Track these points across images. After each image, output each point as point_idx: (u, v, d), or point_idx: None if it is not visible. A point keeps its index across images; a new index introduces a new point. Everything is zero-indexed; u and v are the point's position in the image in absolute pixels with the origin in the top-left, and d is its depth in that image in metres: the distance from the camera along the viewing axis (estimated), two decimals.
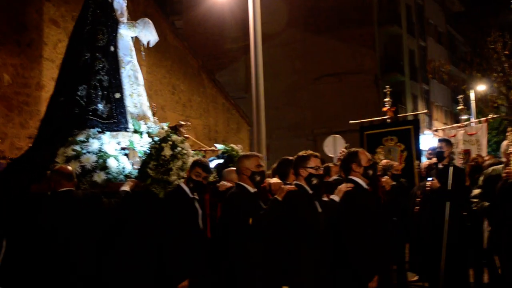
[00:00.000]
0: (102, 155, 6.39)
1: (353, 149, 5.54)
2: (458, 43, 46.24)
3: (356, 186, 5.23)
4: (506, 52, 26.79)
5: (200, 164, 5.87)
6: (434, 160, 8.35)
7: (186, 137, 8.94)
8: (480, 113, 30.94)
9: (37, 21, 13.49)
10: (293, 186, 5.38)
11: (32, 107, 12.88)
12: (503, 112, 28.74)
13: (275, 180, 5.84)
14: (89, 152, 6.41)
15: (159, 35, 7.72)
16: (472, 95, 30.41)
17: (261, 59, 12.06)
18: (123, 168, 6.45)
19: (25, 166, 6.26)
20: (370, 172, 5.33)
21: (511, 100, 26.07)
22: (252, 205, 5.32)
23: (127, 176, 6.35)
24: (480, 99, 31.00)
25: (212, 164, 7.28)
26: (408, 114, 19.11)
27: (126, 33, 7.48)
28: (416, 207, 8.23)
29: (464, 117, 13.84)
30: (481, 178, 7.03)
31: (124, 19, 7.52)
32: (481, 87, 30.56)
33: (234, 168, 6.04)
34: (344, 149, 7.28)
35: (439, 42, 43.03)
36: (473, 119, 19.95)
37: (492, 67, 27.50)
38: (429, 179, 7.70)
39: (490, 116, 14.09)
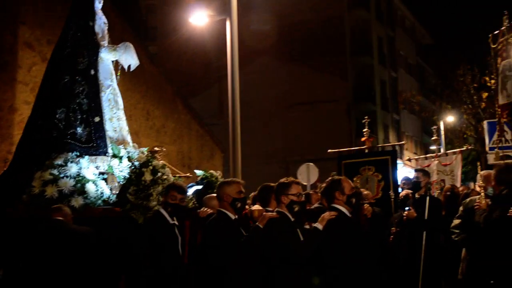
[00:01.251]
0: (80, 180, 6.28)
1: (337, 177, 5.55)
2: (428, 74, 47.20)
3: (339, 214, 5.23)
4: (475, 85, 27.49)
5: (175, 187, 5.79)
6: (407, 189, 8.46)
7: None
8: (449, 143, 31.52)
9: (11, 44, 13.37)
10: (274, 213, 5.34)
11: (4, 130, 12.67)
12: (472, 143, 29.32)
13: (256, 207, 5.80)
14: (67, 176, 6.30)
15: None
16: (441, 126, 31.00)
17: (237, 85, 12.11)
18: (102, 193, 6.34)
19: (1, 189, 6.10)
20: (353, 200, 5.33)
21: (480, 132, 26.61)
22: (233, 232, 5.26)
23: (105, 201, 6.25)
24: (449, 130, 31.61)
25: (191, 191, 7.22)
26: (385, 145, 19.35)
27: (106, 57, 7.44)
28: (390, 237, 8.28)
29: (435, 147, 14.06)
30: (461, 209, 7.12)
31: (105, 42, 7.49)
32: (450, 118, 31.17)
33: (215, 195, 5.99)
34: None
35: (409, 74, 43.85)
36: (442, 150, 20.27)
37: (462, 99, 28.16)
38: (406, 208, 7.77)
39: (466, 147, 14.35)
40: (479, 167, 8.34)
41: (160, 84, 20.33)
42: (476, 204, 6.59)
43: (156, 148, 7.88)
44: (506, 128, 11.10)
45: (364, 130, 12.72)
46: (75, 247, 5.46)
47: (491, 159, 12.72)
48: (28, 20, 14.17)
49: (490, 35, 9.95)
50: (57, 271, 5.32)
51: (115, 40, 8.64)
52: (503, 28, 9.58)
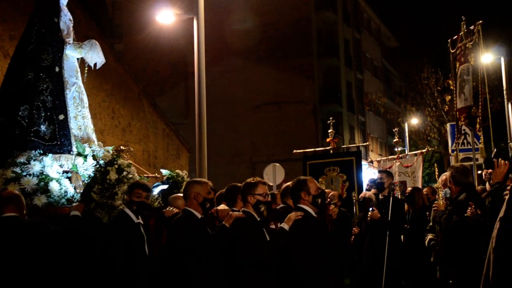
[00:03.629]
0: (43, 178, 6.18)
1: (302, 177, 5.57)
2: (393, 77, 47.89)
3: (306, 215, 5.26)
4: (439, 88, 27.98)
5: (139, 185, 5.75)
6: (373, 191, 8.57)
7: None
8: (414, 145, 32.00)
9: None
10: (240, 213, 5.35)
11: None
12: (435, 145, 29.85)
13: (222, 206, 5.80)
14: (29, 175, 6.19)
15: None
16: (406, 128, 31.46)
17: (204, 85, 12.06)
18: (65, 191, 6.25)
19: None
20: (319, 200, 5.37)
21: (443, 134, 27.10)
22: (200, 231, 5.25)
23: (69, 200, 6.16)
24: (413, 132, 32.09)
25: (157, 190, 7.18)
26: (350, 146, 19.54)
27: (72, 54, 7.33)
28: (352, 237, 8.40)
29: (399, 149, 14.29)
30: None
31: (70, 39, 7.38)
32: (415, 121, 31.65)
33: (180, 195, 5.96)
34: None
35: (375, 76, 44.44)
36: (407, 151, 20.56)
37: (426, 102, 28.62)
38: (370, 209, 7.87)
39: (426, 149, 14.61)
40: (436, 168, 8.53)
41: (126, 82, 20.11)
42: (434, 205, 6.74)
43: (122, 147, 7.81)
44: (468, 130, 11.33)
45: (329, 131, 12.85)
46: (32, 242, 5.32)
47: (453, 161, 12.99)
48: None
49: (449, 40, 10.17)
50: (18, 270, 5.20)
51: (81, 37, 8.52)
52: (461, 33, 9.80)
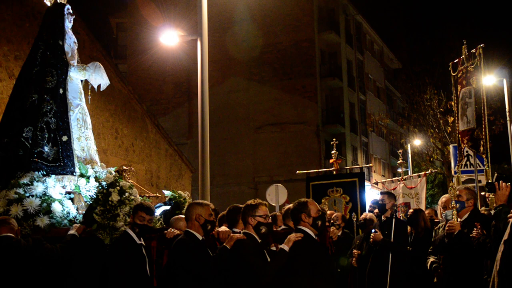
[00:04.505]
0: (46, 199, 6.21)
1: (303, 199, 5.59)
2: (396, 98, 48.02)
3: (305, 236, 5.27)
4: (442, 109, 27.99)
5: (143, 208, 5.73)
6: (376, 211, 8.56)
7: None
8: (416, 167, 31.95)
9: None
10: (241, 235, 5.37)
11: None
12: (438, 167, 29.81)
13: (223, 228, 5.82)
14: (32, 196, 6.22)
15: None
16: (409, 149, 31.42)
17: (207, 105, 12.11)
18: (68, 212, 6.28)
19: None
20: (319, 222, 5.38)
21: (446, 156, 27.05)
22: (201, 253, 5.27)
23: (71, 221, 6.18)
24: (416, 153, 32.05)
25: (159, 211, 7.19)
26: (353, 167, 19.53)
27: (76, 76, 7.40)
28: (353, 259, 8.37)
29: (403, 170, 14.28)
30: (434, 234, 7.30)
31: (74, 62, 7.46)
32: (417, 142, 31.63)
33: (182, 216, 5.97)
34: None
35: (378, 97, 44.53)
36: (410, 173, 20.54)
37: (428, 123, 28.61)
38: (373, 231, 7.86)
39: (430, 170, 14.59)
40: (436, 189, 8.52)
41: (130, 102, 20.23)
42: (449, 225, 6.56)
43: (124, 167, 7.83)
44: (470, 152, 11.33)
45: (332, 152, 12.87)
46: (28, 262, 5.35)
47: (455, 182, 12.98)
48: None
49: (450, 63, 10.22)
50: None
51: (85, 58, 8.61)
52: (462, 56, 9.85)
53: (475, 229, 6.13)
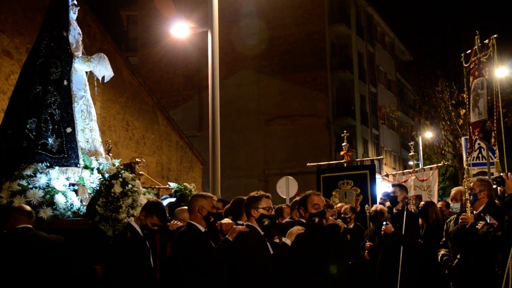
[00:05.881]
0: (49, 191, 6.19)
1: (309, 192, 5.52)
2: (407, 90, 47.71)
3: (308, 230, 5.22)
4: (453, 102, 27.76)
5: (159, 213, 5.61)
6: (387, 204, 8.50)
7: (141, 174, 8.86)
8: (427, 159, 31.75)
9: None
10: (244, 227, 5.33)
11: None
12: (450, 159, 29.60)
13: (226, 220, 5.79)
14: (36, 187, 6.20)
15: (114, 71, 7.62)
16: (420, 142, 31.23)
17: (218, 97, 12.10)
18: (71, 204, 6.26)
19: None
20: (316, 219, 5.31)
21: (457, 148, 26.86)
22: (202, 245, 5.24)
23: (75, 213, 6.17)
24: (427, 146, 31.85)
25: (165, 203, 7.17)
26: (364, 159, 19.44)
27: (80, 68, 7.38)
28: (365, 252, 8.31)
29: (414, 162, 14.19)
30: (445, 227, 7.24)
31: (79, 53, 7.43)
32: (429, 134, 31.43)
33: (186, 208, 5.95)
34: None
35: (389, 89, 44.30)
36: (421, 165, 20.41)
37: (440, 116, 28.39)
38: (384, 223, 7.81)
39: (442, 163, 14.48)
40: (448, 182, 8.45)
41: (140, 95, 20.25)
42: (462, 217, 6.49)
43: (137, 159, 7.82)
44: (482, 144, 11.23)
45: (343, 144, 12.81)
46: (49, 256, 5.31)
47: (466, 174, 12.86)
48: (7, 28, 14.06)
49: (462, 54, 10.10)
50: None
51: (96, 50, 8.58)
52: (475, 47, 9.72)
53: (480, 222, 6.07)
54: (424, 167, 14.62)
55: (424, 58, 30.79)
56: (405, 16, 42.25)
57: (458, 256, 6.91)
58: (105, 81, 7.52)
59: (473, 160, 11.80)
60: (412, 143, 14.82)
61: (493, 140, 9.40)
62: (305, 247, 5.10)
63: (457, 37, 28.02)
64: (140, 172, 9.27)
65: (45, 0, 15.02)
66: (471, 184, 6.54)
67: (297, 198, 6.29)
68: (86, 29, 16.59)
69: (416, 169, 13.54)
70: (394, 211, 8.08)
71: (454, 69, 26.70)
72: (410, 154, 14.29)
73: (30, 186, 6.25)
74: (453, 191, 8.20)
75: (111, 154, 8.68)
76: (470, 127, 9.94)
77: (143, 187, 7.83)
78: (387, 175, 15.11)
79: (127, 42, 37.62)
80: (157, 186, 9.13)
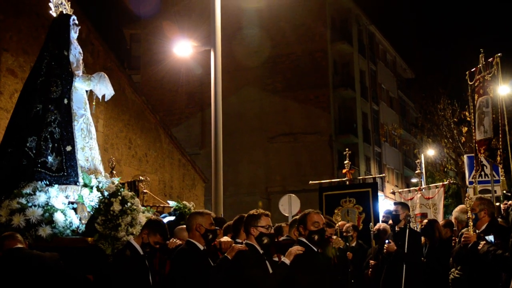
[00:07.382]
0: (48, 209, 6.18)
1: (308, 210, 5.52)
2: (409, 108, 47.75)
3: (307, 250, 5.19)
4: (455, 119, 27.78)
5: (162, 232, 5.59)
6: (390, 222, 8.47)
7: (145, 193, 8.86)
8: (430, 177, 31.67)
9: None
10: (243, 245, 5.32)
11: None
12: (452, 177, 29.54)
13: (225, 238, 5.78)
14: (35, 206, 6.19)
15: (117, 89, 7.66)
16: (422, 159, 31.21)
17: (220, 115, 12.14)
18: (71, 222, 6.25)
19: None
20: (315, 237, 5.31)
21: (460, 166, 26.81)
22: (202, 263, 5.23)
23: (74, 231, 6.15)
24: (430, 164, 31.81)
25: (164, 221, 7.15)
26: (366, 177, 19.41)
27: (81, 86, 7.40)
28: (368, 270, 8.27)
29: (419, 180, 14.15)
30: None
31: (79, 72, 7.46)
32: (431, 152, 31.40)
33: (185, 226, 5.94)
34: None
35: (391, 107, 44.31)
36: (423, 183, 20.34)
37: (442, 133, 28.40)
38: (386, 241, 7.79)
39: (448, 181, 14.43)
40: (450, 199, 8.42)
41: (143, 113, 20.33)
42: (465, 235, 6.47)
43: (141, 178, 7.81)
44: (485, 162, 11.20)
45: (345, 162, 12.80)
46: (45, 273, 5.32)
47: (470, 193, 12.81)
48: (11, 47, 14.17)
49: (467, 72, 10.11)
50: None
51: (100, 68, 8.63)
52: (479, 65, 9.74)
53: (482, 242, 6.04)
54: (430, 185, 14.58)
55: (426, 76, 30.87)
56: (407, 34, 42.48)
57: (456, 273, 6.89)
58: (105, 100, 7.55)
59: (477, 177, 11.77)
60: (418, 161, 14.80)
61: (498, 158, 9.38)
62: (304, 267, 5.07)
63: (458, 55, 28.15)
64: (144, 190, 9.28)
65: (49, 18, 15.22)
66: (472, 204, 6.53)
67: (296, 217, 6.28)
68: (90, 47, 16.72)
69: (422, 187, 13.49)
70: (396, 229, 8.06)
71: (455, 87, 26.78)
72: (417, 171, 14.25)
73: (29, 204, 6.23)
74: (457, 210, 8.13)
75: (114, 172, 8.69)
76: (476, 145, 9.92)
77: (145, 205, 7.83)
78: (393, 192, 15.06)
79: (130, 61, 37.82)
80: (161, 205, 9.12)
